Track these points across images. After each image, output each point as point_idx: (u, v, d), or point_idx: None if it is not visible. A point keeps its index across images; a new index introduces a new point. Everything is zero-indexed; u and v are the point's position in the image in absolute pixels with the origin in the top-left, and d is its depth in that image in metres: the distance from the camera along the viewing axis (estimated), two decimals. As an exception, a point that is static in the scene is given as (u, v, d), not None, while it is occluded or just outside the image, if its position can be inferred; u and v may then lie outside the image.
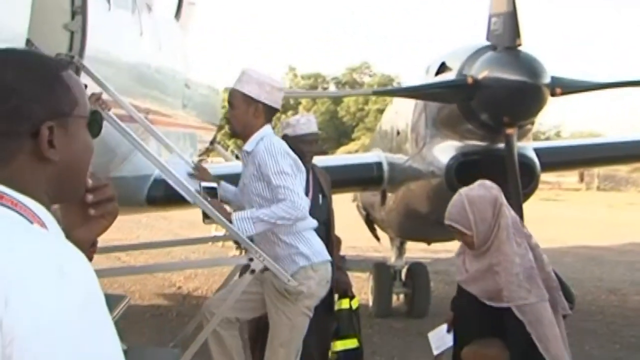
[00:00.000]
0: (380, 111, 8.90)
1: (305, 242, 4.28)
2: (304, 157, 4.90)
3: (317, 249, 4.34)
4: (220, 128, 12.75)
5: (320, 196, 4.95)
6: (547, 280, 3.89)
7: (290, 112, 55.07)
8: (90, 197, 1.61)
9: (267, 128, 4.27)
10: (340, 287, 4.91)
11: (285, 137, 4.94)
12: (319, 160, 6.12)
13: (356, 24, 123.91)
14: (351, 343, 4.52)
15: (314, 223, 4.38)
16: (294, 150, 4.88)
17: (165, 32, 8.08)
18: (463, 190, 4.01)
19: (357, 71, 63.48)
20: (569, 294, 4.00)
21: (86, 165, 1.49)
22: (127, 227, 14.84)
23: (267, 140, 4.19)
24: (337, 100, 58.23)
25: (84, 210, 1.66)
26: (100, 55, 4.08)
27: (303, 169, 4.34)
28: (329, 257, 4.42)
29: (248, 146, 4.24)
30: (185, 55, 9.46)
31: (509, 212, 3.94)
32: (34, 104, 1.35)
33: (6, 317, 1.13)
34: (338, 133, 56.03)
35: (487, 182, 4.08)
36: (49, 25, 3.31)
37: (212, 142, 12.07)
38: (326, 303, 4.87)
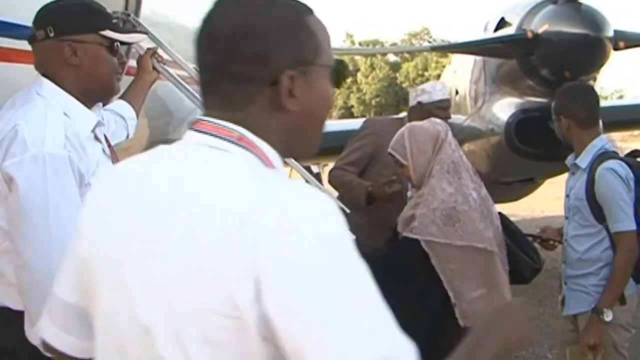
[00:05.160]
0: (440, 77, 8.85)
1: None
2: None
3: None
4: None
5: None
6: (494, 232, 3.70)
7: (350, 79, 55.01)
8: None
9: None
10: None
11: (419, 104, 4.80)
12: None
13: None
14: None
15: None
16: (428, 117, 4.69)
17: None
18: (409, 123, 3.90)
19: (417, 37, 62.67)
20: (535, 253, 3.87)
21: (323, 117, 1.39)
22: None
23: None
24: (395, 66, 57.81)
25: None
26: (156, 15, 4.11)
27: None
28: None
29: None
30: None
31: (452, 152, 3.69)
32: (275, 50, 1.27)
33: (258, 257, 1.11)
34: (397, 99, 55.67)
35: (437, 119, 3.90)
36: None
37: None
38: None
